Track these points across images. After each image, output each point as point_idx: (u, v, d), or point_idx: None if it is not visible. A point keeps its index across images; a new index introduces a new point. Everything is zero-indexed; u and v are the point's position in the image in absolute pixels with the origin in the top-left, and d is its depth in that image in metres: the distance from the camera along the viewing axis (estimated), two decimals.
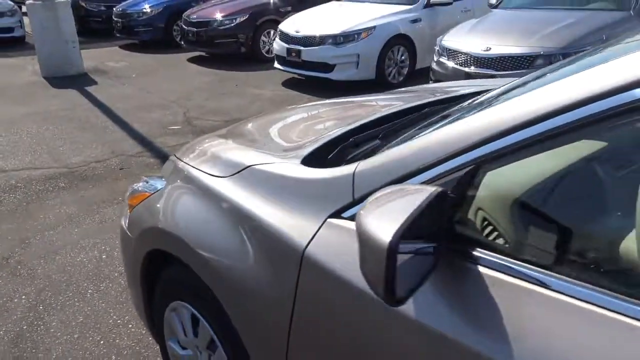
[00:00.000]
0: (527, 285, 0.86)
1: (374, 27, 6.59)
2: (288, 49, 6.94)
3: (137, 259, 1.77)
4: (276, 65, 7.33)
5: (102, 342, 2.38)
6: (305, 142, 1.50)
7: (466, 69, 5.16)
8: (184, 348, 1.76)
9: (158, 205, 1.66)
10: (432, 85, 3.45)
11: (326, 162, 1.36)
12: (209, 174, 1.52)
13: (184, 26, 9.19)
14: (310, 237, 1.14)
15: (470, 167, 0.95)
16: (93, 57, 9.34)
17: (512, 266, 0.90)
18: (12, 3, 11.77)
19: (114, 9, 10.97)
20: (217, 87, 7.28)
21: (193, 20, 8.96)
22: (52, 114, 6.09)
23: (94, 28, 12.12)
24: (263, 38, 8.76)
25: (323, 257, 1.11)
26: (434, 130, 1.07)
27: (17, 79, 7.94)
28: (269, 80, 7.53)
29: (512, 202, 1.03)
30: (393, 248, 0.77)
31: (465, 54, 5.23)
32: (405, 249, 0.82)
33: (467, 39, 5.40)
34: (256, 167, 1.39)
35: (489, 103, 1.11)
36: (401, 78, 6.99)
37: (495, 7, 6.27)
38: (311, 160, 1.35)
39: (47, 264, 3.05)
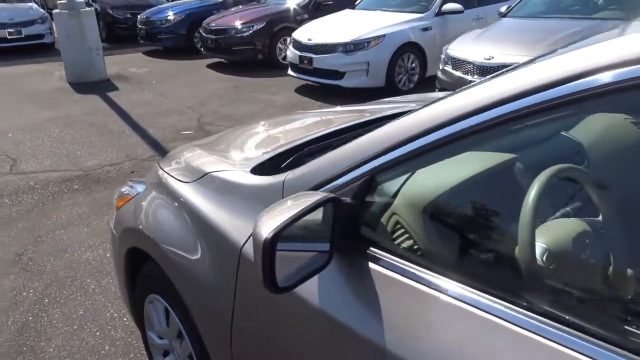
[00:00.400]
0: (420, 287, 0.99)
1: (384, 35, 6.72)
2: (300, 57, 7.12)
3: (120, 256, 1.95)
4: (289, 72, 7.52)
5: (98, 333, 2.58)
6: (263, 152, 1.66)
7: (469, 78, 5.25)
8: (161, 338, 1.93)
9: (136, 207, 1.84)
10: (423, 95, 3.57)
11: (278, 171, 1.52)
12: (177, 179, 1.69)
13: (203, 33, 9.47)
14: (247, 236, 1.30)
15: (367, 177, 1.09)
16: (117, 63, 9.69)
17: (408, 269, 1.03)
18: (42, 11, 12.28)
19: (139, 16, 11.34)
20: (233, 93, 7.50)
21: (212, 28, 9.23)
22: (73, 118, 6.39)
23: (120, 35, 12.55)
24: (279, 45, 8.97)
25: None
26: (346, 142, 1.21)
27: (45, 85, 8.31)
28: (283, 86, 7.73)
29: (422, 209, 1.16)
30: (268, 243, 0.92)
31: (469, 62, 5.32)
32: (295, 247, 0.96)
33: (471, 47, 5.50)
34: (213, 174, 1.56)
35: (388, 119, 1.24)
36: (411, 85, 7.10)
37: (504, 15, 6.34)
38: (263, 168, 1.51)
39: (55, 260, 3.27)
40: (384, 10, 7.61)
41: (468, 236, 1.12)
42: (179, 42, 10.66)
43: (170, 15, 10.86)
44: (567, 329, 0.80)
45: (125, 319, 2.66)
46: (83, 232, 3.62)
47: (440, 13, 7.23)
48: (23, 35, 11.41)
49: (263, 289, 1.21)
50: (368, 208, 1.12)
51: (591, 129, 1.19)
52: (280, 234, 0.93)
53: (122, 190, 2.07)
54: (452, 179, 1.17)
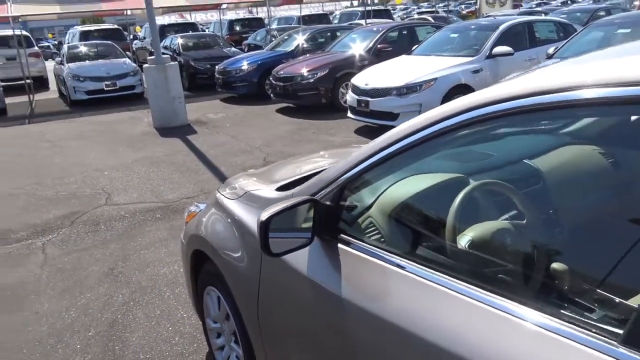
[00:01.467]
0: (375, 260, 1.46)
1: (435, 79, 7.21)
2: (358, 100, 7.73)
3: (187, 258, 2.55)
4: (349, 114, 8.15)
5: (170, 328, 3.18)
6: (290, 176, 2.22)
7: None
8: (215, 322, 2.50)
9: (199, 220, 2.44)
10: None
11: (294, 187, 2.06)
12: (227, 197, 2.27)
13: (273, 81, 10.36)
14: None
15: (340, 186, 1.61)
16: (197, 110, 10.76)
17: (368, 249, 1.52)
18: (134, 65, 13.80)
19: (217, 67, 12.50)
20: (297, 134, 8.21)
21: (280, 76, 10.10)
22: (157, 159, 7.30)
23: (201, 83, 13.79)
24: (341, 90, 9.66)
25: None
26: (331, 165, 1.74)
27: (135, 130, 9.43)
28: (343, 128, 8.35)
29: (380, 209, 1.65)
30: (263, 223, 1.45)
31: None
32: (288, 236, 1.50)
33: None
34: (251, 192, 2.13)
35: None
36: None
37: (551, 57, 6.67)
38: (286, 187, 2.06)
39: (140, 274, 3.95)
40: (437, 55, 8.13)
41: (408, 227, 1.60)
42: (252, 89, 11.64)
43: (245, 65, 11.91)
44: (478, 289, 1.21)
45: (192, 319, 3.24)
46: (162, 252, 4.30)
47: (491, 56, 7.65)
48: (118, 87, 12.87)
49: (276, 274, 1.75)
50: (341, 208, 1.64)
51: (507, 148, 1.65)
52: (273, 219, 1.47)
53: (190, 209, 2.69)
54: (405, 193, 1.66)
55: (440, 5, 45.71)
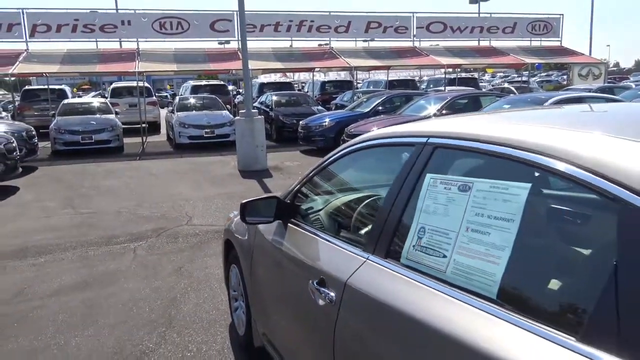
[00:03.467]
0: (330, 244, 2.52)
1: None
2: None
3: (223, 245, 3.75)
4: None
5: (211, 306, 4.35)
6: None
7: None
8: (234, 291, 3.64)
9: (231, 221, 3.63)
10: None
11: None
12: None
13: (345, 137, 11.65)
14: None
15: (295, 191, 2.73)
16: (277, 158, 12.26)
17: (309, 228, 2.61)
18: (232, 116, 15.75)
19: (300, 122, 14.07)
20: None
21: (352, 133, 11.37)
22: (235, 195, 8.71)
23: (287, 136, 15.42)
24: None
25: (261, 227, 2.93)
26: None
27: (221, 171, 11.04)
28: None
29: (316, 206, 2.73)
30: (242, 205, 2.59)
31: None
32: (259, 219, 2.64)
33: None
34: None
35: None
36: None
37: None
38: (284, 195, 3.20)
39: (199, 272, 5.20)
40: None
41: (329, 216, 2.67)
42: (328, 143, 12.99)
43: (325, 122, 13.36)
44: (357, 247, 2.29)
45: (218, 299, 4.39)
46: (219, 260, 5.52)
47: None
48: (215, 134, 14.81)
49: (258, 243, 2.90)
50: (294, 204, 2.75)
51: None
52: (249, 204, 2.62)
53: (230, 215, 3.90)
54: (337, 196, 2.75)
55: (543, 75, 45.68)
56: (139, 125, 16.12)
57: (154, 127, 19.48)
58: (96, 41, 18.02)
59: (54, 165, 12.51)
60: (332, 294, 1.95)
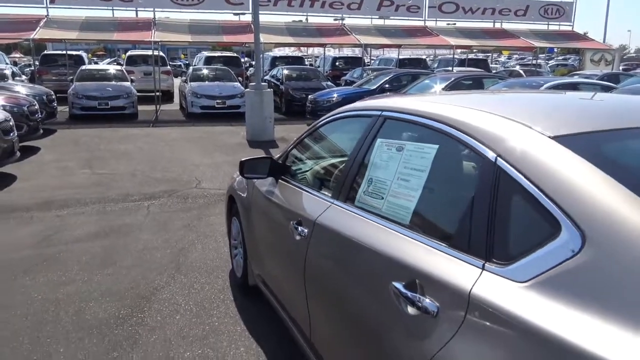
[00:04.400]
0: (308, 194, 3.06)
1: None
2: None
3: (226, 200, 4.32)
4: None
5: (215, 255, 4.93)
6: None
7: None
8: (234, 240, 4.22)
9: (233, 179, 4.19)
10: None
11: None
12: None
13: None
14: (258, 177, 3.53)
15: (287, 154, 3.27)
16: (284, 130, 12.77)
17: (296, 184, 3.14)
18: (243, 89, 16.22)
19: (309, 96, 14.52)
20: None
21: None
22: None
23: (295, 110, 15.89)
24: None
25: (257, 183, 3.48)
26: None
27: (230, 140, 11.59)
28: None
29: (304, 166, 3.27)
30: (241, 162, 3.13)
31: None
32: (256, 175, 3.18)
33: None
34: None
35: None
36: None
37: None
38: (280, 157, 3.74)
39: (205, 228, 5.79)
40: None
41: (315, 175, 3.21)
42: None
43: (334, 97, 13.81)
44: (352, 206, 2.81)
45: (222, 251, 4.98)
46: (224, 218, 6.11)
47: None
48: (226, 105, 15.33)
49: (254, 195, 3.46)
50: (285, 164, 3.28)
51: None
52: (246, 163, 3.16)
53: (233, 175, 4.45)
54: (318, 160, 3.28)
55: (560, 58, 45.34)
56: (153, 94, 16.66)
57: (167, 96, 19.99)
58: (112, 9, 18.47)
59: (72, 129, 13.12)
60: (306, 230, 2.51)
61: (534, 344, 1.21)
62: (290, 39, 18.59)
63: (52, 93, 13.04)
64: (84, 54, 22.24)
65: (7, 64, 19.97)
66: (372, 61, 25.59)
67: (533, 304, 1.26)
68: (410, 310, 1.61)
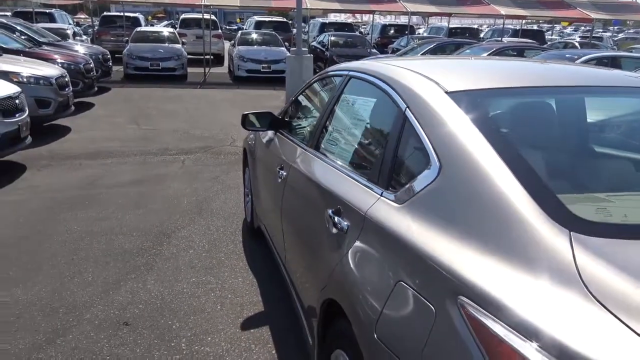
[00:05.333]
0: (292, 143, 3.46)
1: None
2: None
3: (242, 153, 4.78)
4: None
5: (235, 204, 5.44)
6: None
7: None
8: (247, 188, 4.70)
9: (248, 136, 4.64)
10: None
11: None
12: None
13: None
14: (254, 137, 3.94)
15: (284, 111, 3.66)
16: None
17: (288, 136, 3.55)
18: (288, 53, 16.58)
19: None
20: None
21: None
22: None
23: None
24: None
25: (261, 135, 3.91)
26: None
27: (271, 103, 12.05)
28: None
29: (294, 122, 3.65)
30: (243, 116, 3.55)
31: None
32: (258, 128, 3.59)
33: None
34: None
35: None
36: None
37: None
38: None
39: (231, 181, 6.30)
40: None
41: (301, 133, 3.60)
42: None
43: None
44: (318, 152, 3.21)
45: (241, 200, 5.47)
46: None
47: None
48: (271, 70, 15.75)
49: (258, 145, 3.91)
50: (284, 119, 3.68)
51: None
52: (248, 116, 3.58)
53: (248, 134, 4.90)
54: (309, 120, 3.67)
55: (631, 32, 43.06)
56: (203, 57, 17.29)
57: (218, 59, 20.61)
58: None
59: (125, 88, 13.93)
60: (284, 173, 2.93)
61: (401, 249, 1.59)
62: (337, 5, 18.69)
63: (108, 53, 13.84)
64: (140, 16, 23.09)
65: (70, 24, 21.07)
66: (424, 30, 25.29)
67: (403, 220, 1.64)
68: (334, 230, 2.02)
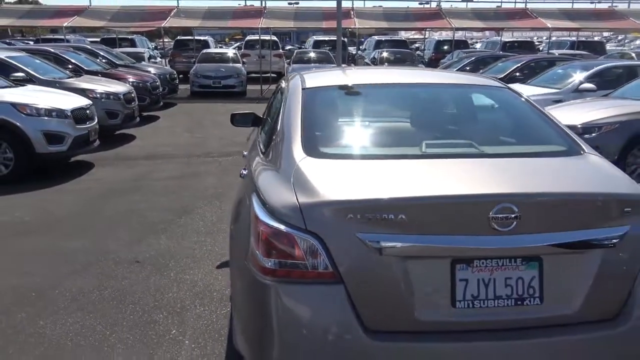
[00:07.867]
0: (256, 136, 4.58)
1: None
2: None
3: None
4: None
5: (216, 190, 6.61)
6: None
7: None
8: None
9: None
10: None
11: None
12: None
13: None
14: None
15: (264, 111, 4.78)
16: None
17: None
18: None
19: None
20: None
21: None
22: None
23: None
24: None
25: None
26: None
27: None
28: None
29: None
30: (232, 114, 4.70)
31: None
32: (242, 124, 4.73)
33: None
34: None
35: None
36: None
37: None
38: None
39: (232, 178, 7.49)
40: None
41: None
42: None
43: None
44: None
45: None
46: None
47: (577, 90, 9.33)
48: None
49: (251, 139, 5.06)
50: (262, 117, 4.80)
51: None
52: (235, 115, 4.73)
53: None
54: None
55: None
56: (266, 75, 18.90)
57: (279, 77, 22.16)
58: None
59: (189, 103, 15.67)
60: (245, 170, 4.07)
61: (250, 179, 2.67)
62: (384, 24, 19.75)
63: (174, 72, 15.70)
64: (210, 39, 25.28)
65: (148, 48, 23.51)
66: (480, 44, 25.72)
67: (259, 162, 2.73)
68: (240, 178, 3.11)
